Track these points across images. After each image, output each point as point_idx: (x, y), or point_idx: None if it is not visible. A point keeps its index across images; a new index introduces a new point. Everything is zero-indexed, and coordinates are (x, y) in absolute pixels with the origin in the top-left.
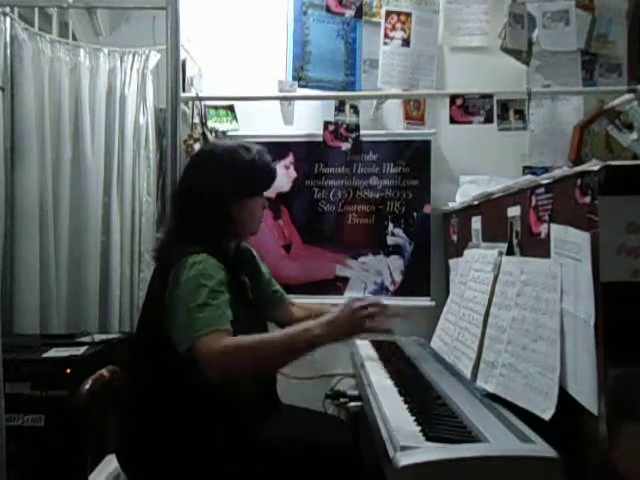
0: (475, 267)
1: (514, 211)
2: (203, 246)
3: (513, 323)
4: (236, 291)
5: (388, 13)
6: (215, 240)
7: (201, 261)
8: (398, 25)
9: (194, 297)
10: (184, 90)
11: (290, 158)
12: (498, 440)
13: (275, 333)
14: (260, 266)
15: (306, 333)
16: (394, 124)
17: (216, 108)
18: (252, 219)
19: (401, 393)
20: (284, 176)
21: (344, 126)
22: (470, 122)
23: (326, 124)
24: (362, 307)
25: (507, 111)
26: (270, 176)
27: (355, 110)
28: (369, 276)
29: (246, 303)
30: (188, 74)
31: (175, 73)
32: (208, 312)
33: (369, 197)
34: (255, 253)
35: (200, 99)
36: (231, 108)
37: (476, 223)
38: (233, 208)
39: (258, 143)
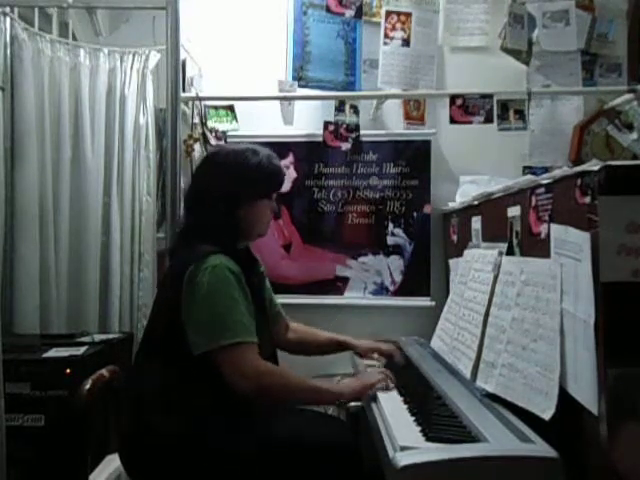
0: (475, 267)
1: (514, 211)
2: (218, 246)
3: (513, 323)
4: (249, 292)
5: (388, 13)
6: (226, 240)
7: (220, 264)
8: (398, 25)
9: (218, 302)
10: (184, 90)
11: (290, 158)
12: (498, 440)
13: (310, 382)
14: (265, 277)
15: (335, 395)
16: (394, 124)
17: (216, 108)
18: (260, 221)
19: (401, 393)
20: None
21: (344, 126)
22: (470, 122)
23: (326, 124)
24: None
25: (507, 111)
26: (277, 179)
27: (355, 110)
28: (369, 276)
29: (257, 304)
30: (188, 74)
31: (175, 73)
32: (236, 321)
33: (369, 197)
34: (260, 262)
35: (200, 99)
36: (231, 108)
37: (476, 223)
38: (241, 209)
39: (258, 143)
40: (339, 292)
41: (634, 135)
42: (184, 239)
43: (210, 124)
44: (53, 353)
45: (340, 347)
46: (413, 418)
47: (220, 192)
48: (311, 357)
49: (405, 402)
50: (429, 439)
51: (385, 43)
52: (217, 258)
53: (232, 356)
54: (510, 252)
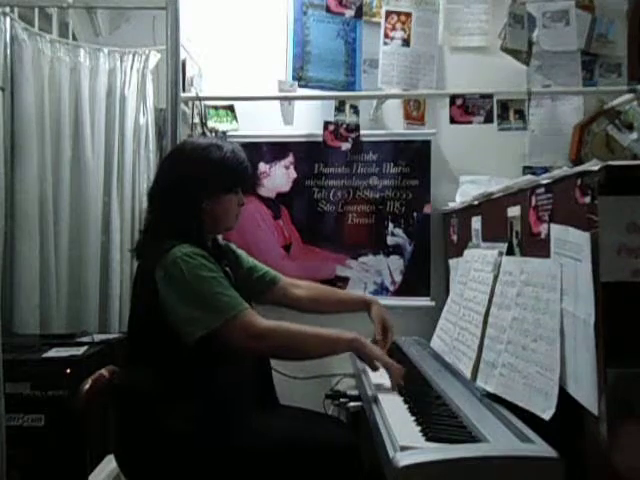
0: (475, 267)
1: (514, 211)
2: (182, 238)
3: (513, 323)
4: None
5: (388, 13)
6: (191, 234)
7: (187, 252)
8: (398, 25)
9: (203, 284)
10: (184, 90)
11: (290, 158)
12: (498, 440)
13: (322, 330)
14: (238, 254)
15: (351, 342)
16: (394, 124)
17: (216, 108)
18: (226, 214)
19: (401, 393)
20: (284, 176)
21: (344, 126)
22: (470, 122)
23: (326, 124)
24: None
25: (507, 111)
26: (242, 173)
27: (355, 110)
28: (369, 276)
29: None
30: (188, 74)
31: (175, 73)
32: (229, 294)
33: (369, 197)
34: (233, 245)
35: (200, 99)
36: (231, 108)
37: (476, 223)
38: (204, 204)
39: (258, 143)
40: None
41: (634, 135)
42: (149, 236)
43: (210, 124)
44: (53, 353)
45: (355, 304)
46: (413, 418)
47: (183, 187)
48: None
49: (405, 402)
50: (429, 439)
51: (385, 43)
52: (182, 247)
53: (234, 327)
54: (510, 252)
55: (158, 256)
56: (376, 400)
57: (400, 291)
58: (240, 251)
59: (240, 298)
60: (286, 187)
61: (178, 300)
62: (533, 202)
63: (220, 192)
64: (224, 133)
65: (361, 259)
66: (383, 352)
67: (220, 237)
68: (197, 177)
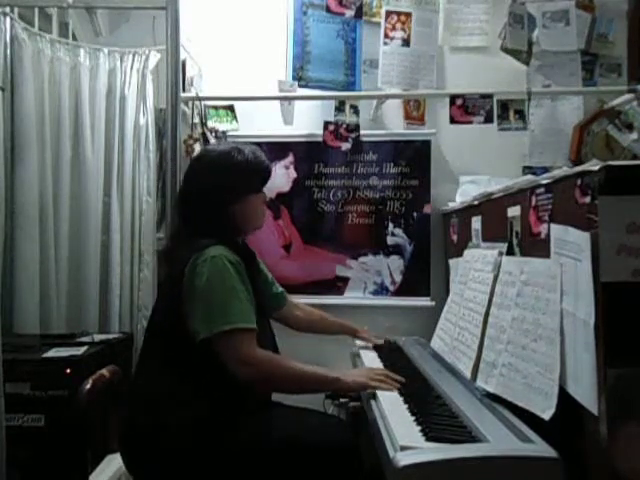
0: (475, 267)
1: (514, 211)
2: (215, 239)
3: (513, 323)
4: (249, 281)
5: (388, 13)
6: (223, 236)
7: (219, 255)
8: (398, 25)
9: (217, 291)
10: (184, 90)
11: (290, 158)
12: (498, 440)
13: (310, 369)
14: (261, 265)
15: (333, 383)
16: (394, 124)
17: (216, 108)
18: (255, 214)
19: (401, 393)
20: (284, 176)
21: (344, 126)
22: (470, 122)
23: (326, 124)
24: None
25: (507, 111)
26: (265, 172)
27: (355, 110)
28: (369, 276)
29: (256, 294)
30: (188, 74)
31: (175, 73)
32: (234, 308)
33: (369, 197)
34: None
35: (200, 99)
36: (231, 108)
37: (476, 223)
38: (234, 207)
39: (258, 143)
40: (339, 292)
41: (634, 135)
42: (180, 240)
43: (210, 124)
44: (53, 353)
45: (343, 330)
46: (413, 418)
47: (211, 192)
48: (311, 354)
49: (405, 402)
50: (429, 439)
51: (385, 43)
52: (216, 249)
53: (230, 343)
54: (510, 252)
55: (192, 253)
56: (376, 399)
57: (400, 291)
58: (260, 260)
59: (251, 316)
60: (286, 187)
61: (195, 297)
62: (533, 202)
63: (248, 194)
64: (224, 133)
65: (361, 259)
66: (366, 383)
67: None
68: (225, 182)
